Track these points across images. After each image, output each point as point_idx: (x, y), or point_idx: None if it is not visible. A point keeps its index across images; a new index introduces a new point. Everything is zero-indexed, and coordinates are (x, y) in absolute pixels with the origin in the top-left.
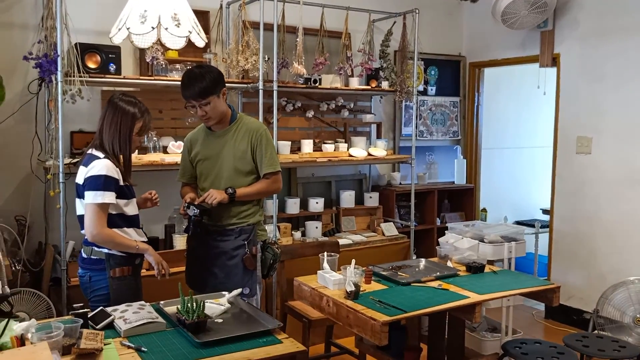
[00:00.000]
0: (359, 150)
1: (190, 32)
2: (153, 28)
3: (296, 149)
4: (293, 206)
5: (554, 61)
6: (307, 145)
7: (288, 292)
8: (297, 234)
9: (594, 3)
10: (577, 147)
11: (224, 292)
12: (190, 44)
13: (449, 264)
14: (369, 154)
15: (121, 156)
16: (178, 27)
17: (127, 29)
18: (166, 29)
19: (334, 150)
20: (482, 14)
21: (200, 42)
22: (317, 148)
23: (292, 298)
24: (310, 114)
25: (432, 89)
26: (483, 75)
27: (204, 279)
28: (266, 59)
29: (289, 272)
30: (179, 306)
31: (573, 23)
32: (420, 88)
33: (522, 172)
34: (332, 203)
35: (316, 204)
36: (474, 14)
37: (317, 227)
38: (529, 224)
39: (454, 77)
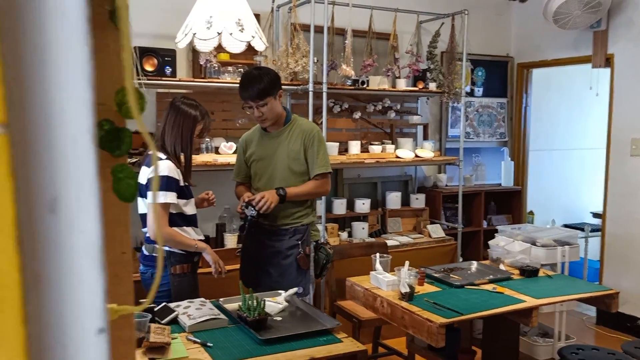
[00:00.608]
0: (406, 152)
1: (253, 37)
2: (219, 33)
3: (343, 150)
4: (340, 207)
5: (608, 62)
6: (355, 147)
7: (337, 292)
8: (344, 235)
9: None
10: (631, 150)
11: (280, 291)
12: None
13: (501, 267)
14: (416, 156)
15: (182, 157)
16: (242, 32)
17: (194, 34)
18: (230, 34)
19: (381, 151)
20: (531, 14)
21: (261, 46)
22: (363, 149)
23: (341, 298)
24: (357, 115)
25: (479, 90)
26: (531, 76)
27: (259, 277)
28: (315, 60)
29: (337, 272)
30: (240, 303)
31: (628, 23)
32: (467, 89)
33: (571, 175)
34: (378, 204)
35: (362, 205)
36: (523, 14)
37: (363, 228)
38: (578, 227)
39: (502, 78)
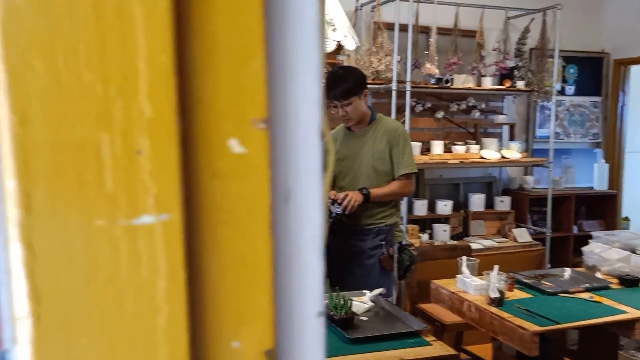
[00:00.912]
0: (491, 152)
1: (345, 36)
2: None
3: (425, 150)
4: (421, 208)
5: None
6: (437, 147)
7: (418, 294)
8: (424, 236)
9: None
10: None
11: (364, 291)
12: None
13: (598, 275)
14: (502, 156)
15: None
16: (334, 31)
17: None
18: None
19: (465, 151)
20: (629, 6)
21: (352, 45)
22: (446, 149)
23: (422, 300)
24: (439, 114)
25: (570, 89)
26: (629, 73)
27: (344, 276)
28: (398, 59)
29: (418, 274)
30: (327, 301)
31: None
32: (558, 87)
33: None
34: (460, 206)
35: (444, 207)
36: (620, 6)
37: (445, 230)
38: None
39: (596, 75)
